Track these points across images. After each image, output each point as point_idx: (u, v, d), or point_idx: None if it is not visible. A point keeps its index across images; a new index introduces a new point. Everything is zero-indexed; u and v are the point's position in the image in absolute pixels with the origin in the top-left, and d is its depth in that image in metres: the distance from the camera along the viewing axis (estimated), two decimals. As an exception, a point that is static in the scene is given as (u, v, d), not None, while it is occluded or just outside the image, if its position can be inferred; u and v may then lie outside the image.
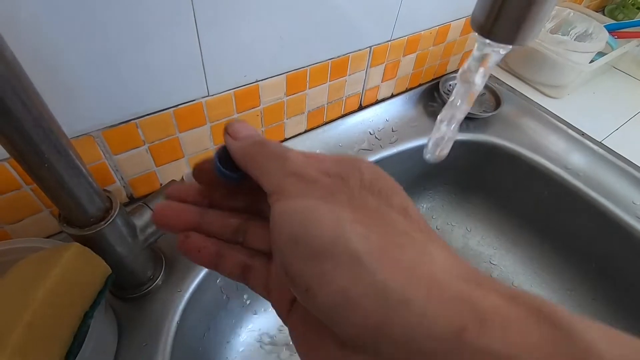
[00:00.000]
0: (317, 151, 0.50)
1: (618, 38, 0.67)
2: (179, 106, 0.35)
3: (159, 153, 0.37)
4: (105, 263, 0.26)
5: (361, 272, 0.11)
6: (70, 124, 0.30)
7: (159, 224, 0.17)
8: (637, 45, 0.69)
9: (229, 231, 0.17)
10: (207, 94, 0.36)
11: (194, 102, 0.36)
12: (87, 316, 0.23)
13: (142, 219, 0.31)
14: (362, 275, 0.11)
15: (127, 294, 0.34)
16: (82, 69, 0.28)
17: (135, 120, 0.33)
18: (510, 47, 0.15)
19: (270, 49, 0.37)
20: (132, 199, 0.39)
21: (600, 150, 0.54)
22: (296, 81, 0.42)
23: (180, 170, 0.40)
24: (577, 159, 0.55)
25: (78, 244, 0.25)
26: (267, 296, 0.16)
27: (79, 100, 0.29)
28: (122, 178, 0.36)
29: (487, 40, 0.15)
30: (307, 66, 0.42)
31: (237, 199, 0.18)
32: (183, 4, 0.29)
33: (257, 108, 0.41)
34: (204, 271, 0.38)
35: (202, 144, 0.40)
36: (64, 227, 0.25)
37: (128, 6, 0.27)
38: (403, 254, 0.11)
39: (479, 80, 0.17)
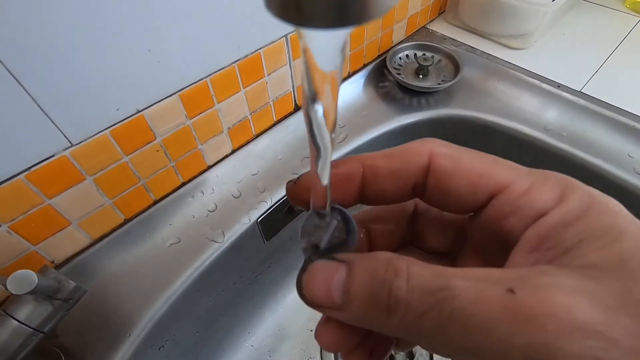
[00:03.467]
0: (252, 172, 0.41)
1: (581, -35, 0.59)
2: (32, 168, 0.27)
3: (30, 229, 0.29)
4: None
5: None
6: None
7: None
8: (604, -31, 0.60)
9: None
10: (69, 145, 0.28)
11: (52, 158, 0.27)
12: None
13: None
14: None
15: (17, 421, 0.26)
16: None
17: (-30, 202, 0.25)
18: (343, 31, 0.07)
19: (140, 68, 0.28)
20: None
21: (581, 101, 0.46)
22: (196, 98, 0.34)
23: (73, 237, 0.32)
24: (557, 116, 0.47)
25: None
26: None
27: None
28: (-13, 272, 0.28)
29: (302, 29, 0.07)
30: (205, 77, 0.33)
31: None
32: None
33: (154, 142, 0.33)
34: (124, 358, 0.30)
35: (90, 202, 0.32)
36: None
37: None
38: None
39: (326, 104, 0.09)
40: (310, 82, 0.09)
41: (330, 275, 0.11)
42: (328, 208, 0.12)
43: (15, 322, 0.24)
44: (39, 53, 0.23)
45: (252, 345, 0.48)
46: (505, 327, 0.08)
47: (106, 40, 0.25)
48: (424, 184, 0.12)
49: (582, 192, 0.11)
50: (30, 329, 0.24)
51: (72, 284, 0.26)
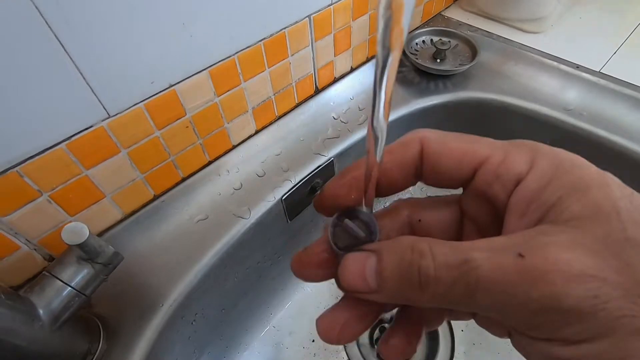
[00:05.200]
0: (276, 152, 0.42)
1: (596, -50, 0.59)
2: (73, 137, 0.28)
3: (68, 200, 0.30)
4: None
5: None
6: None
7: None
8: (619, -46, 0.61)
9: None
10: (107, 116, 0.29)
11: (91, 128, 0.28)
12: None
13: (43, 294, 0.24)
14: None
15: (59, 383, 0.27)
16: None
17: (14, 169, 0.26)
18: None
19: (175, 43, 0.29)
20: (53, 260, 0.32)
21: (601, 81, 0.46)
22: (225, 76, 0.35)
23: (106, 211, 0.33)
24: (577, 96, 0.47)
25: None
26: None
27: None
28: (28, 241, 0.29)
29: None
30: (233, 55, 0.34)
31: None
32: (34, 20, 0.21)
33: (184, 118, 0.34)
34: (157, 327, 0.31)
35: (124, 175, 0.32)
36: None
37: None
38: None
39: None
40: (388, 37, 0.09)
41: (362, 264, 0.13)
42: (370, 203, 0.14)
43: (60, 283, 0.25)
44: (87, 23, 0.24)
45: (273, 326, 0.48)
46: (522, 287, 0.10)
47: (145, 11, 0.26)
48: (421, 168, 0.14)
49: (550, 154, 0.12)
50: (74, 290, 0.25)
51: (112, 249, 0.27)
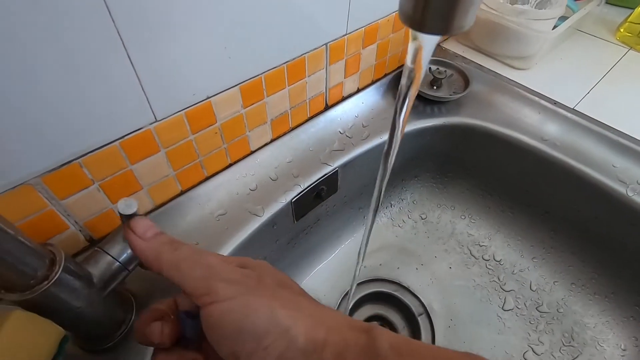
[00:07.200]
0: (288, 160, 0.48)
1: (578, 0, 0.67)
2: (126, 137, 0.32)
3: (113, 189, 0.34)
4: (56, 325, 0.23)
5: (291, 339, 0.16)
6: (2, 176, 0.27)
7: None
8: (598, 5, 0.68)
9: None
10: (154, 120, 0.34)
11: (141, 130, 0.33)
12: (40, 388, 0.21)
13: (97, 265, 0.29)
14: (293, 342, 0.16)
15: (99, 345, 0.31)
16: (10, 113, 0.25)
17: (77, 160, 0.31)
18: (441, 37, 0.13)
19: (216, 62, 0.35)
20: (92, 241, 0.36)
21: (574, 117, 0.53)
22: (252, 91, 0.40)
23: (141, 200, 0.38)
24: (553, 128, 0.53)
25: (19, 309, 0.22)
26: None
27: (8, 147, 0.27)
28: (76, 222, 0.34)
29: (420, 33, 0.13)
30: (260, 74, 0.39)
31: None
32: (107, 30, 0.26)
33: (214, 125, 0.39)
34: (180, 306, 0.36)
35: (159, 171, 0.37)
36: (2, 294, 0.22)
37: (52, 39, 0.24)
38: (317, 325, 0.17)
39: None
40: (412, 73, 0.15)
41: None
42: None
43: (110, 257, 0.30)
44: (150, 39, 0.29)
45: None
46: None
47: (196, 34, 0.32)
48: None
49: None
50: (120, 265, 0.30)
51: (152, 233, 0.32)
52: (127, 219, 0.20)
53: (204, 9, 0.31)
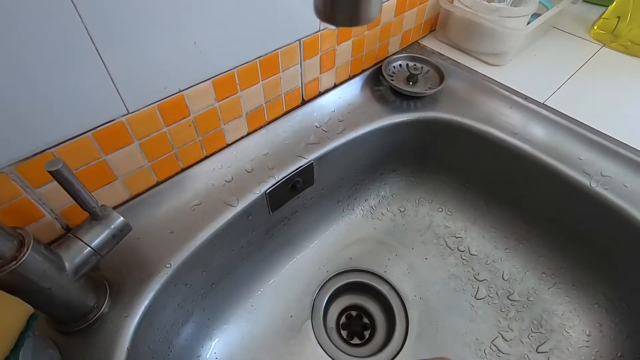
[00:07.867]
0: (264, 152, 0.49)
1: (552, -2, 0.68)
2: (98, 128, 0.34)
3: (88, 179, 0.36)
4: (24, 303, 0.25)
5: None
6: (-25, 164, 0.29)
7: None
8: (572, 2, 0.70)
9: None
10: (126, 112, 0.35)
11: (113, 121, 0.35)
12: (8, 361, 0.22)
13: (69, 250, 0.30)
14: None
15: (71, 327, 0.33)
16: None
17: (51, 150, 0.32)
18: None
19: (186, 57, 0.36)
20: (69, 230, 0.38)
21: (544, 112, 0.55)
22: (225, 85, 0.41)
23: (117, 191, 0.39)
24: (523, 123, 0.55)
25: (-12, 288, 0.24)
26: None
27: (-20, 137, 0.28)
28: (51, 210, 0.35)
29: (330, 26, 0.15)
30: (233, 68, 0.41)
31: None
32: (74, 25, 0.28)
33: (188, 118, 0.40)
34: (153, 291, 0.37)
35: (134, 162, 0.39)
36: (-29, 273, 0.24)
37: (19, 34, 0.25)
38: None
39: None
40: None
41: None
42: None
43: (82, 243, 0.31)
44: (118, 33, 0.30)
45: (252, 306, 0.55)
46: None
47: (165, 29, 0.33)
48: None
49: None
50: (92, 250, 0.31)
51: (123, 219, 0.33)
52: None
53: (172, 5, 0.32)
